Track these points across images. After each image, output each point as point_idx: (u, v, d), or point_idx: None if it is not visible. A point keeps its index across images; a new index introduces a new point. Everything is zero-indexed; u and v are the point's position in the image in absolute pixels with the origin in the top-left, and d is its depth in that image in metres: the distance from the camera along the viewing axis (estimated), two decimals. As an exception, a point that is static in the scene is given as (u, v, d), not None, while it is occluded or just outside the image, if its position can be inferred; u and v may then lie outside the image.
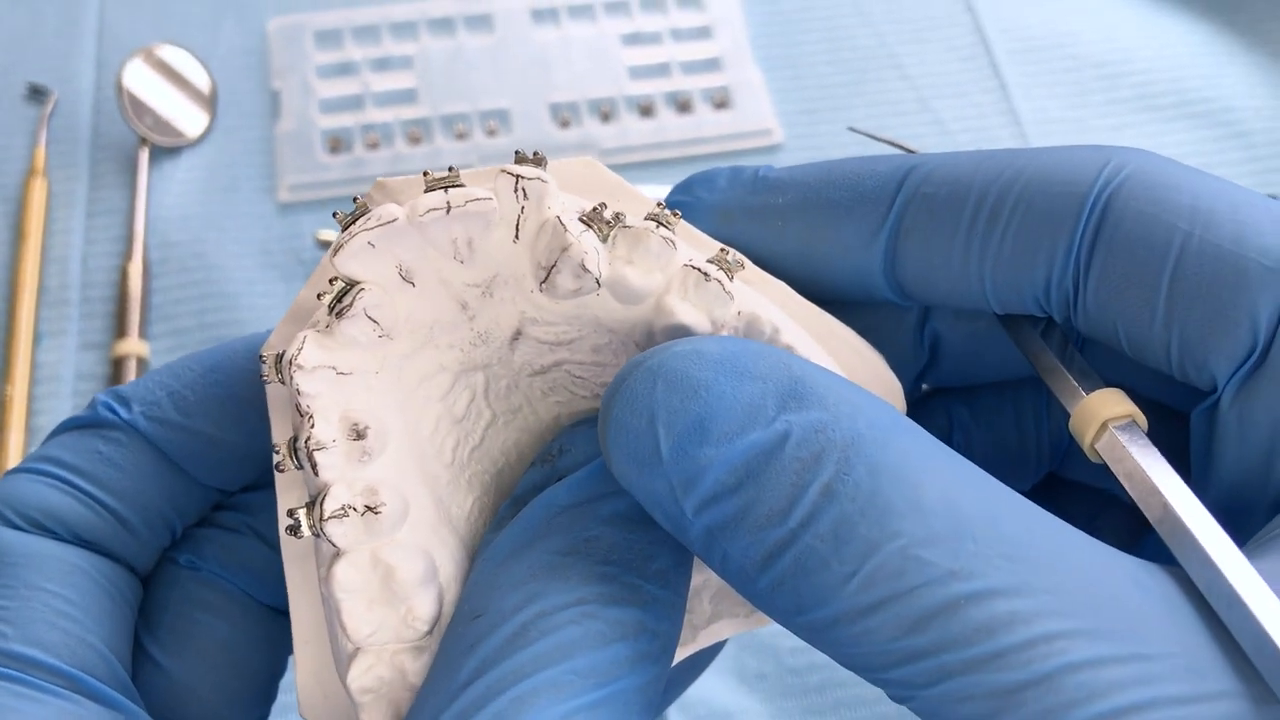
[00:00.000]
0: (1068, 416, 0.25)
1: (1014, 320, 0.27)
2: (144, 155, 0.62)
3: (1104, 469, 0.25)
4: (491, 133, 0.64)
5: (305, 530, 0.24)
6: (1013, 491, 0.21)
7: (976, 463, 0.22)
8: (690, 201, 0.29)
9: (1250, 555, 0.21)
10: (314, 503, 0.24)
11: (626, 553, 0.22)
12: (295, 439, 0.24)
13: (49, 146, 0.63)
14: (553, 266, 0.24)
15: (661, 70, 0.67)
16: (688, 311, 0.24)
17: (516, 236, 0.24)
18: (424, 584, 0.24)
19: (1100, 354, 0.28)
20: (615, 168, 0.63)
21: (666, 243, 0.24)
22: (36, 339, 0.57)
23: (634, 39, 0.68)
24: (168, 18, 0.68)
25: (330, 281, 0.24)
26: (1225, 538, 0.21)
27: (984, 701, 0.19)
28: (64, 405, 0.55)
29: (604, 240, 0.24)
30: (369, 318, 0.24)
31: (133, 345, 0.56)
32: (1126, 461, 0.24)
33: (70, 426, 0.28)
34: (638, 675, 0.21)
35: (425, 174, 0.24)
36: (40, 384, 0.56)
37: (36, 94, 0.65)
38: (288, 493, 0.26)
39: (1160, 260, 0.24)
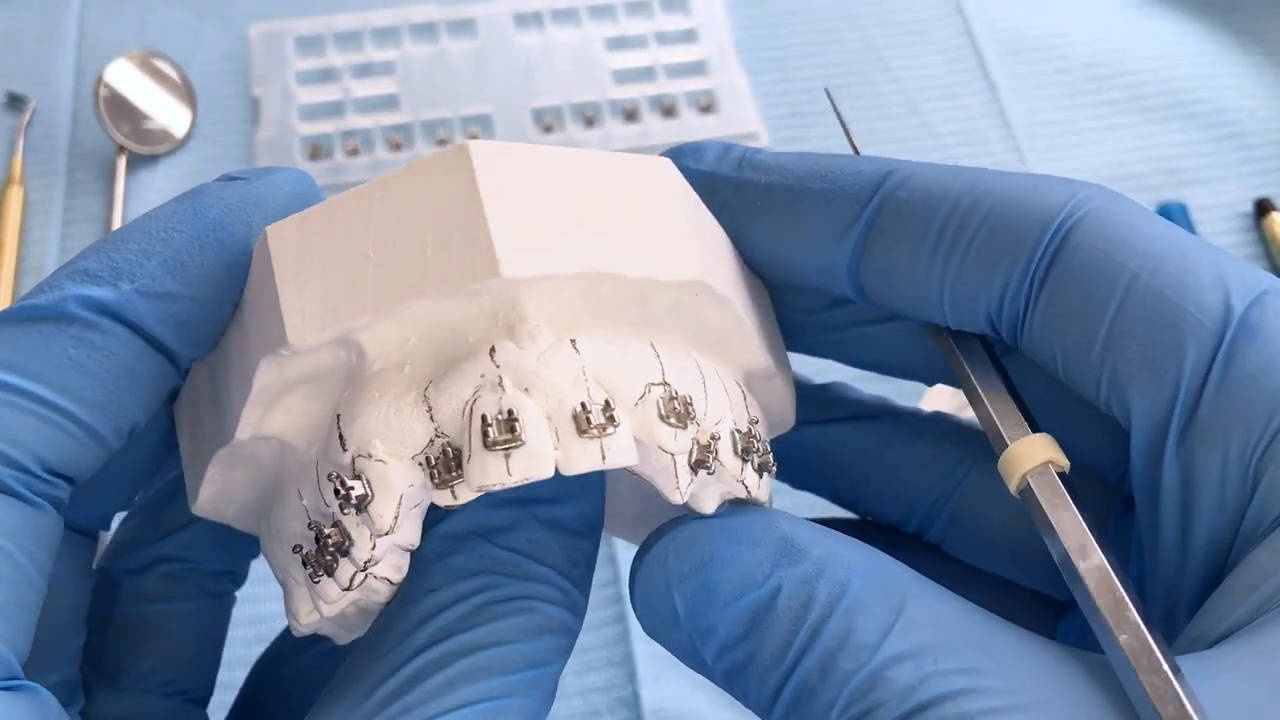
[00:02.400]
0: (989, 447, 0.27)
1: (963, 337, 0.28)
2: (121, 163, 0.61)
3: (988, 551, 0.30)
4: (474, 138, 0.63)
5: (351, 586, 0.24)
6: (965, 602, 0.25)
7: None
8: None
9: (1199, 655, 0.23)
10: (334, 548, 0.23)
11: (560, 557, 0.26)
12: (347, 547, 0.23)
13: (26, 155, 0.62)
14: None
15: (646, 74, 0.66)
16: (713, 506, 0.26)
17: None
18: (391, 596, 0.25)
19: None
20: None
21: (740, 485, 0.25)
22: (11, 349, 0.56)
23: (619, 43, 0.67)
24: (148, 25, 0.67)
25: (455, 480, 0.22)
26: (1140, 622, 0.23)
27: None
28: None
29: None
30: None
31: (107, 354, 0.55)
32: (1057, 511, 0.25)
33: (23, 318, 0.24)
34: (557, 664, 0.25)
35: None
36: (14, 394, 0.55)
37: (15, 102, 0.64)
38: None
39: (1106, 295, 0.25)
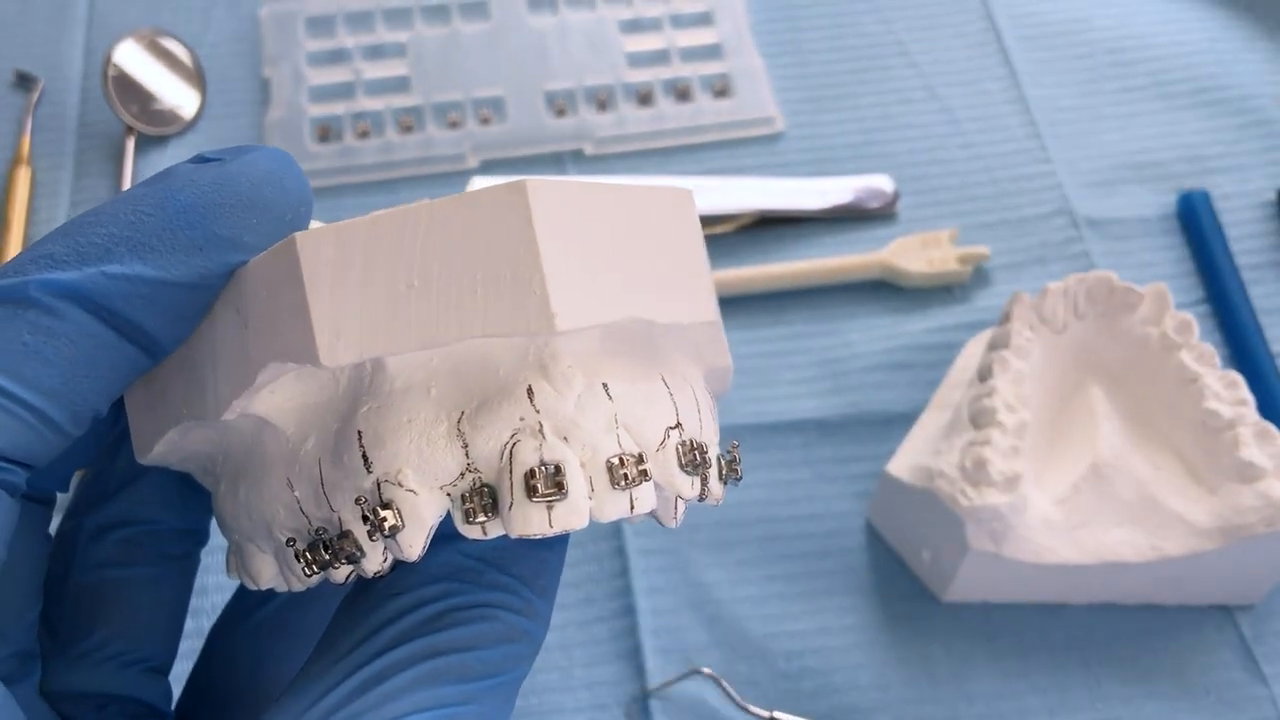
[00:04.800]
0: None
1: None
2: (130, 143, 0.61)
3: None
4: (485, 121, 0.63)
5: (345, 581, 0.24)
6: None
7: None
8: None
9: None
10: (342, 555, 0.23)
11: (524, 567, 0.25)
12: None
13: (35, 135, 0.62)
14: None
15: (661, 57, 0.65)
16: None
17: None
18: None
19: None
20: (612, 156, 0.62)
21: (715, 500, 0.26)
22: (18, 331, 0.56)
23: (633, 26, 0.66)
24: (158, 5, 0.67)
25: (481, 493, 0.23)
26: None
27: None
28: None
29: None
30: None
31: (115, 338, 0.55)
32: None
33: None
34: (517, 673, 0.25)
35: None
36: (20, 377, 0.55)
37: (24, 81, 0.64)
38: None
39: None
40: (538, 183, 0.22)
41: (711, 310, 0.26)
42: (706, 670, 0.46)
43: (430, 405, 0.23)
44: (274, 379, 0.23)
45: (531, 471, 0.22)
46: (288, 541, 0.24)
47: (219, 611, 0.32)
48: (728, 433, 0.27)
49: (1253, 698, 0.47)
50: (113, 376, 0.24)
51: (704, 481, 0.25)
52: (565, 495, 0.22)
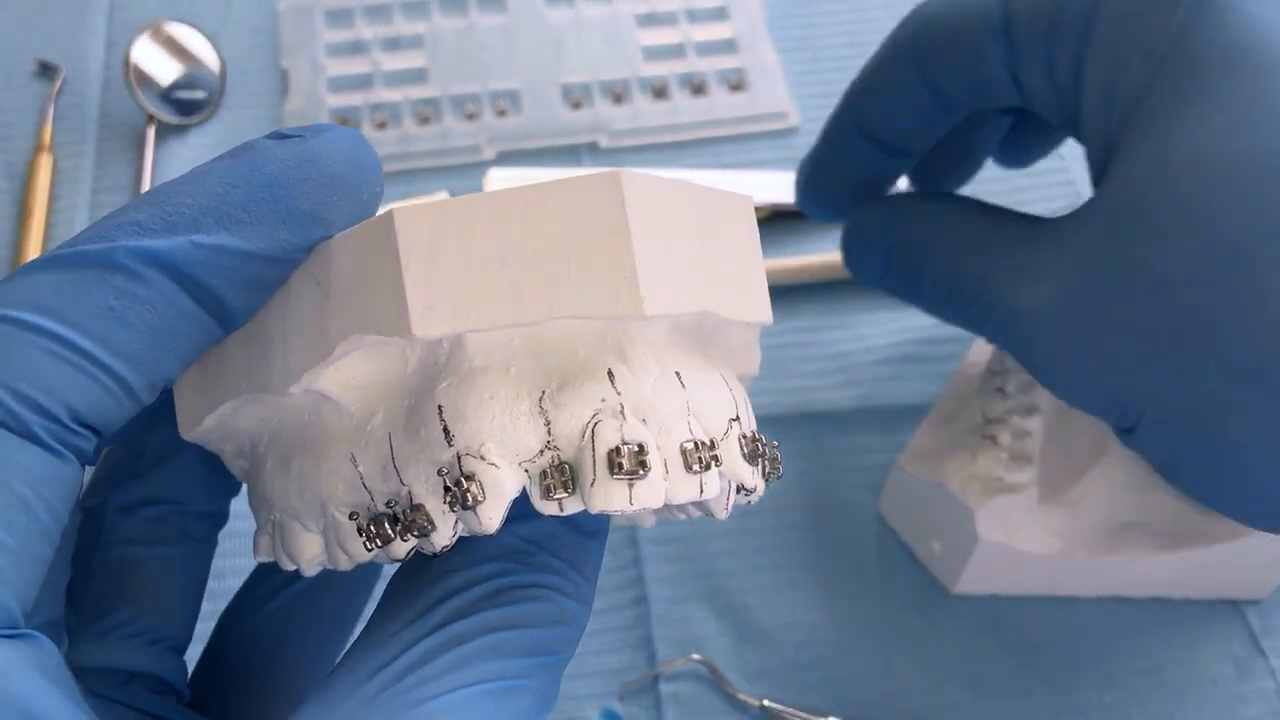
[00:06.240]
0: None
1: None
2: (151, 133, 0.62)
3: None
4: (502, 113, 0.63)
5: (404, 557, 0.25)
6: None
7: None
8: None
9: None
10: (413, 529, 0.24)
11: (573, 553, 0.26)
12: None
13: (56, 123, 0.63)
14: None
15: (676, 51, 0.66)
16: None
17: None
18: None
19: None
20: (627, 149, 0.63)
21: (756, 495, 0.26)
22: (39, 317, 0.57)
23: (649, 20, 0.67)
24: (178, -5, 0.67)
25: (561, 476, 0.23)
26: None
27: None
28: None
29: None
30: None
31: (134, 325, 0.55)
32: None
33: (68, 264, 0.23)
34: (566, 654, 0.25)
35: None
36: (41, 363, 0.55)
37: (46, 70, 0.64)
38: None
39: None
40: (630, 173, 0.23)
41: (768, 312, 0.27)
42: (697, 657, 0.47)
43: (510, 383, 0.23)
44: (348, 353, 0.24)
45: (616, 449, 0.23)
46: (350, 515, 0.25)
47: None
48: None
49: (1260, 692, 0.47)
50: (188, 346, 0.24)
51: (762, 473, 0.25)
52: (646, 474, 0.23)
